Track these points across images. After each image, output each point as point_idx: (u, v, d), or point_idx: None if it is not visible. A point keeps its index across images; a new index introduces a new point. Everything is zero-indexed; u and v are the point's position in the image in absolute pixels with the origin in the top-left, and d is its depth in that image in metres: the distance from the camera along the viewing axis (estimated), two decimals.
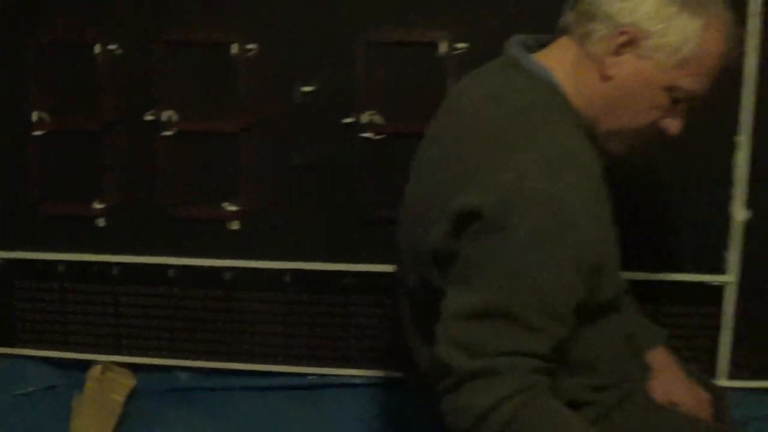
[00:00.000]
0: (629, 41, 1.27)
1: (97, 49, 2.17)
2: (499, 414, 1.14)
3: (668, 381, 1.59)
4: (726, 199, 2.19)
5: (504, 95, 1.32)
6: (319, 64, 2.11)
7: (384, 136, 2.12)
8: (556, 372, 1.23)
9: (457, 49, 2.10)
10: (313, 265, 2.23)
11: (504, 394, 1.14)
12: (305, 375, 2.33)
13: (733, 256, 2.21)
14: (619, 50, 1.28)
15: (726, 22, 1.30)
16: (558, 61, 1.34)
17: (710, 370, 2.30)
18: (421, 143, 1.45)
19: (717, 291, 2.26)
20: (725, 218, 2.20)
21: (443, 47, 2.10)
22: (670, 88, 1.30)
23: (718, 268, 2.23)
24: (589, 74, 1.32)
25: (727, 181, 2.18)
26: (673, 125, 1.35)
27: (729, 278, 2.23)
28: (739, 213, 2.18)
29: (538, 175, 1.18)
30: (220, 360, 2.36)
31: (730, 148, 2.15)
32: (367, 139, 2.13)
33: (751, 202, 2.18)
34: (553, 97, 1.31)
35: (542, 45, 1.40)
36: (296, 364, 2.34)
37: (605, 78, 1.30)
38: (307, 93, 2.13)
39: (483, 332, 1.17)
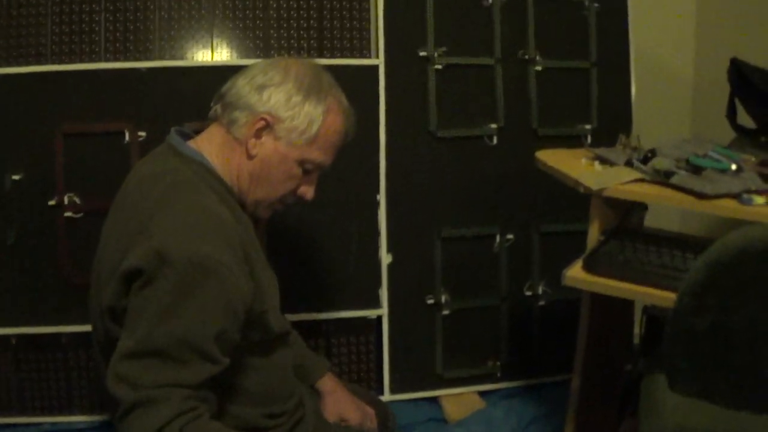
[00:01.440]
0: (266, 126, 1.50)
1: None
2: None
3: (337, 402, 1.83)
4: (375, 248, 2.60)
5: (160, 174, 1.46)
6: (25, 156, 2.32)
7: (82, 214, 2.35)
8: (211, 399, 1.37)
9: (139, 136, 2.42)
10: (34, 329, 2.39)
11: (164, 421, 1.25)
12: (40, 424, 2.49)
13: (384, 293, 2.62)
14: (259, 134, 1.51)
15: (343, 107, 1.58)
16: (209, 144, 1.53)
17: (379, 387, 2.68)
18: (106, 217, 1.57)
19: (375, 322, 2.66)
20: (376, 263, 2.61)
21: (128, 136, 2.41)
22: (301, 161, 1.54)
23: (375, 304, 2.63)
24: (237, 155, 1.52)
25: (375, 233, 2.59)
26: (308, 192, 1.60)
27: (383, 311, 2.63)
28: (385, 258, 2.60)
29: (186, 236, 1.33)
30: None
31: (375, 206, 2.57)
32: (69, 217, 2.34)
33: (392, 248, 2.60)
34: (203, 174, 1.48)
35: (197, 131, 1.58)
36: (31, 415, 2.49)
37: (250, 157, 1.51)
38: (16, 181, 2.32)
39: (141, 368, 1.28)
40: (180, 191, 1.44)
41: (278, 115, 1.52)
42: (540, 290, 2.72)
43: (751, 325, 1.53)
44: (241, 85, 1.55)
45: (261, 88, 1.53)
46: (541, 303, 2.74)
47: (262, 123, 1.52)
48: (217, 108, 1.58)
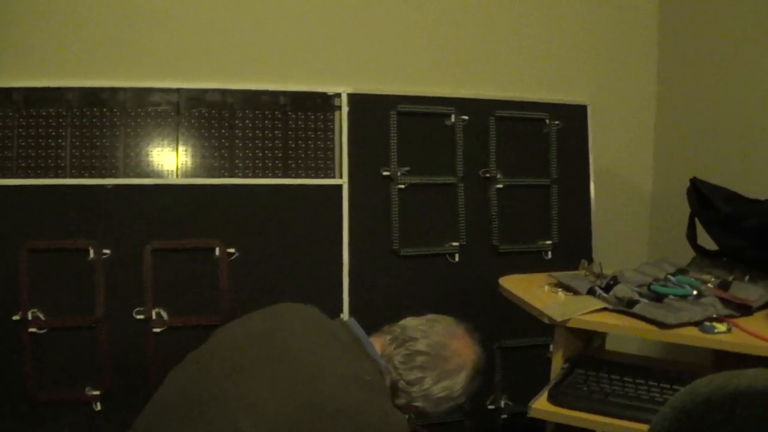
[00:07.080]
0: None
1: None
2: None
3: None
4: None
5: (360, 376, 1.55)
6: None
7: (46, 330, 2.30)
8: None
9: (104, 254, 2.37)
10: None
11: None
12: None
13: None
14: None
15: None
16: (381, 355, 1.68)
17: None
18: (227, 340, 1.66)
19: None
20: None
21: (92, 253, 2.36)
22: None
23: None
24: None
25: None
26: None
27: None
28: None
29: None
30: None
31: None
32: (33, 333, 2.30)
33: None
34: (380, 380, 1.62)
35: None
36: None
37: None
38: None
39: None
40: (384, 401, 1.58)
41: None
42: (502, 404, 2.64)
43: None
44: (433, 389, 1.74)
45: (446, 400, 1.77)
46: (504, 416, 2.66)
47: None
48: (394, 370, 1.72)
